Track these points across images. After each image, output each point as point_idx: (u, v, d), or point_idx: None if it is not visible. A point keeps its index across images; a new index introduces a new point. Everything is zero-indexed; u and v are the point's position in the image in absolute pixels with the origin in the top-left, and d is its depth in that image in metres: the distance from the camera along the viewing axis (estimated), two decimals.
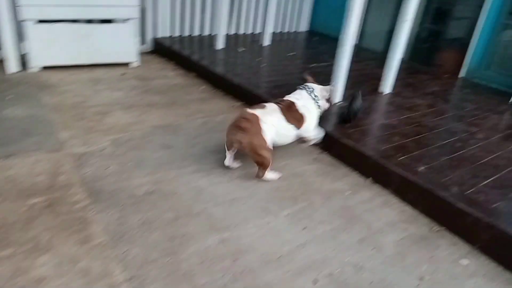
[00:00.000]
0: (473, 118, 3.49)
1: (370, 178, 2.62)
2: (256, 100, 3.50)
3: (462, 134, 3.12)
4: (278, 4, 6.04)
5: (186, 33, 5.38)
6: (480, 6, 4.63)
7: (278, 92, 3.56)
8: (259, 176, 2.47)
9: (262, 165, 2.42)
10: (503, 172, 2.59)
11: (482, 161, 2.69)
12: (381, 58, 3.82)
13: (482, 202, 2.22)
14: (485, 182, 2.43)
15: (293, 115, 2.58)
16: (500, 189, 2.37)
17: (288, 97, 2.68)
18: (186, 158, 2.65)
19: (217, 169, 2.55)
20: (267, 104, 2.58)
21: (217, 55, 4.62)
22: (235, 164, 2.58)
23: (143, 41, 5.00)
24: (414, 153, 2.70)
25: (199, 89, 3.94)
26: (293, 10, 6.35)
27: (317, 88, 2.78)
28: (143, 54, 4.81)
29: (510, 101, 4.10)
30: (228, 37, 5.52)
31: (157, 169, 2.48)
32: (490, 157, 2.77)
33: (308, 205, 2.31)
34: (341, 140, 2.80)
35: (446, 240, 2.17)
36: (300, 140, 2.80)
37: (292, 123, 2.57)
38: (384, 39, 5.47)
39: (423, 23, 5.51)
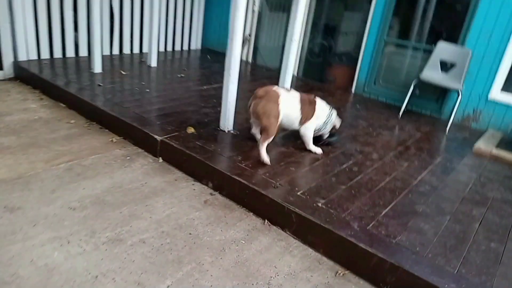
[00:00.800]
0: (367, 137, 3.46)
1: (267, 219, 2.32)
2: (137, 135, 3.02)
3: (358, 156, 3.02)
4: (166, 21, 5.61)
5: (58, 55, 4.63)
6: (365, 22, 4.74)
7: (164, 122, 3.13)
8: (259, 142, 2.67)
9: (266, 132, 2.63)
10: (400, 197, 2.50)
11: (379, 186, 2.58)
12: (277, 75, 3.63)
13: (384, 237, 2.05)
14: (384, 211, 2.29)
15: (307, 110, 2.81)
16: (399, 218, 2.25)
17: (317, 97, 2.91)
18: (38, 223, 2.05)
19: (80, 233, 2.01)
20: (293, 90, 2.87)
21: (94, 80, 4.00)
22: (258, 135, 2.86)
23: (0, 67, 4.16)
24: (312, 185, 2.48)
25: (69, 124, 3.29)
26: (183, 27, 5.96)
27: (335, 114, 3.01)
28: (0, 82, 3.98)
29: (400, 114, 4.22)
30: (110, 58, 4.93)
31: None
32: (386, 180, 2.68)
33: (196, 268, 1.91)
34: (233, 176, 2.46)
35: (352, 286, 1.95)
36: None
37: (301, 115, 2.79)
38: (278, 56, 5.37)
39: (314, 39, 5.56)
